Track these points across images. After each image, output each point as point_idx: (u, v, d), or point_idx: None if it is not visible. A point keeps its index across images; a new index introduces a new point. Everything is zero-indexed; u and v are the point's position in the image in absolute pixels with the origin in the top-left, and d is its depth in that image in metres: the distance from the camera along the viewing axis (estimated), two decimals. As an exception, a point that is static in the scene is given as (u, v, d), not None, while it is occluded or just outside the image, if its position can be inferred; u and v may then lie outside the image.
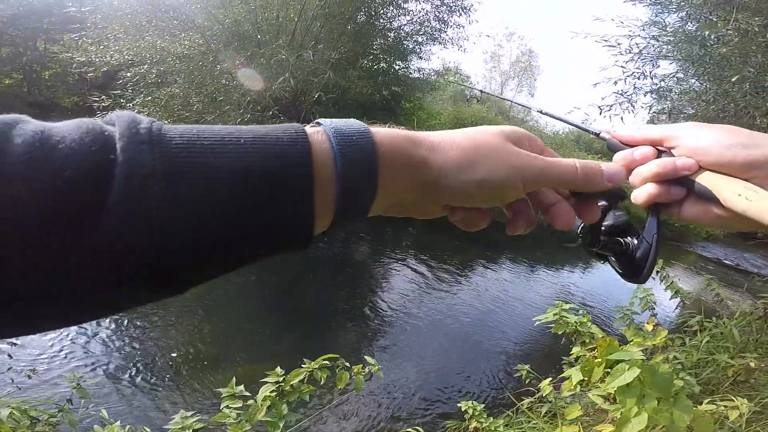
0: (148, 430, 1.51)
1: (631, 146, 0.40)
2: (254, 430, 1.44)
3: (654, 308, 2.84)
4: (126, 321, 3.58)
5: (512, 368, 3.22)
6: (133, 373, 3.04)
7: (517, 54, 26.23)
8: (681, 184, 0.37)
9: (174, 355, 3.31)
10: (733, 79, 4.43)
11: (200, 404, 2.83)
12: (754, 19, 3.71)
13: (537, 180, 0.32)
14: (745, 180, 0.34)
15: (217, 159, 0.23)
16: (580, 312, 2.32)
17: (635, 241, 0.40)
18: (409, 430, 2.67)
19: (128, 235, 0.21)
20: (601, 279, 8.45)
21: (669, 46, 5.42)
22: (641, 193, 0.39)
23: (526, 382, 2.76)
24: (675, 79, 5.88)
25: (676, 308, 3.51)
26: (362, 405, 3.16)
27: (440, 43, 10.12)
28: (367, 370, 1.70)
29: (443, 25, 9.80)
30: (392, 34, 9.72)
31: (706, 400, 1.89)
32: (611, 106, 5.76)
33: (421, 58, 10.33)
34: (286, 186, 0.25)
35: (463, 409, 2.48)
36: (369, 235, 7.62)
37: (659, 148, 0.38)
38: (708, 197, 0.35)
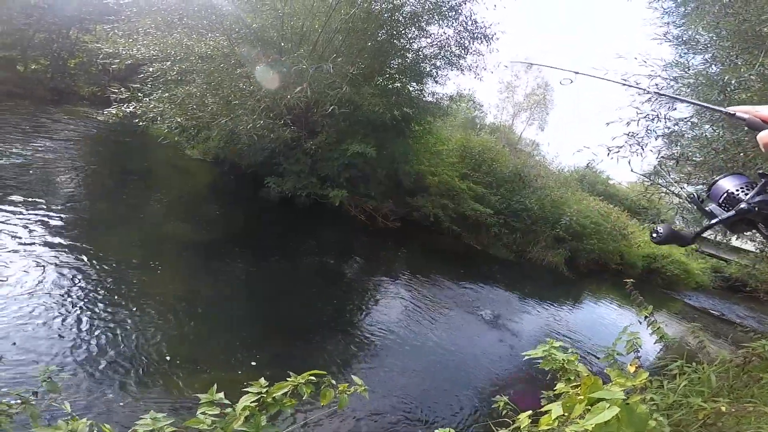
0: (108, 427, 1.44)
1: None
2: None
3: (639, 350, 2.89)
4: (105, 317, 3.50)
5: (491, 398, 3.18)
6: (108, 371, 2.96)
7: (533, 86, 26.34)
8: None
9: (152, 355, 3.22)
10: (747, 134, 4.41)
11: (174, 407, 2.75)
12: None
13: None
14: None
15: None
16: (569, 350, 2.33)
17: None
18: None
19: None
20: (587, 318, 8.37)
21: (688, 89, 5.30)
22: None
23: (503, 413, 2.74)
24: (689, 123, 5.72)
25: (660, 351, 3.59)
26: (342, 423, 3.07)
27: (458, 69, 10.00)
28: (352, 389, 1.65)
29: (463, 51, 9.70)
30: (411, 55, 9.72)
31: None
32: (620, 147, 5.64)
33: (436, 82, 10.27)
34: None
35: None
36: (361, 254, 7.60)
37: None
38: None
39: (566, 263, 11.25)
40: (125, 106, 7.25)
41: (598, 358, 2.87)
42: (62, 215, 5.06)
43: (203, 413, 1.37)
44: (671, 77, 5.37)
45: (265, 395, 1.41)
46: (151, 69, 7.48)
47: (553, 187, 11.67)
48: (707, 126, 5.53)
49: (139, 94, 7.47)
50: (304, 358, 3.74)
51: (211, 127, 7.79)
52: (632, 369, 2.59)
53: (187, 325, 3.72)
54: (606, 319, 8.54)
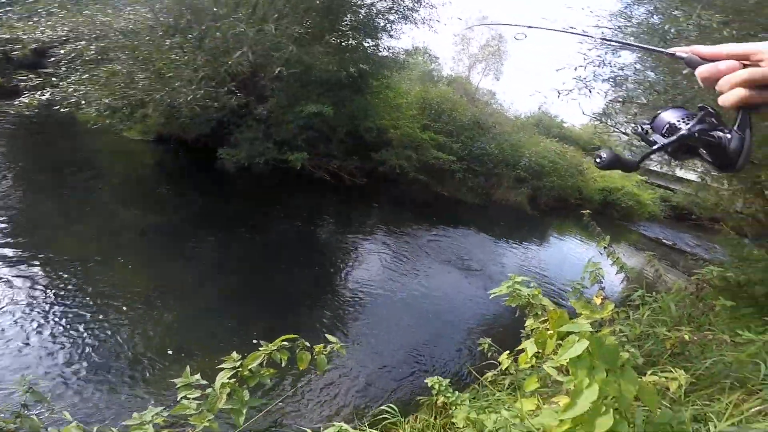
0: (114, 430, 1.47)
1: (712, 62, 0.46)
2: (218, 419, 1.40)
3: (602, 282, 3.01)
4: (81, 321, 3.34)
5: (476, 342, 3.27)
6: (91, 372, 2.87)
7: (487, 38, 26.22)
8: None
9: (140, 351, 3.15)
10: (684, 71, 4.72)
11: (163, 397, 2.73)
12: (715, 16, 3.91)
13: None
14: None
15: None
16: (532, 285, 2.37)
17: (728, 135, 0.44)
18: (385, 407, 2.69)
19: None
20: (553, 253, 8.90)
21: (631, 38, 5.63)
22: (731, 96, 0.44)
23: (488, 355, 2.84)
24: (633, 68, 6.19)
25: (622, 282, 3.74)
26: (332, 385, 3.15)
27: (412, 22, 9.90)
28: (329, 348, 1.65)
29: (416, 4, 9.59)
30: (363, 11, 9.34)
31: (649, 371, 1.99)
32: (570, 90, 5.99)
33: (391, 36, 10.04)
34: None
35: (429, 385, 2.53)
36: (332, 214, 7.54)
37: (744, 62, 0.45)
38: None
39: (529, 202, 11.75)
40: (39, 93, 6.45)
41: (568, 291, 2.99)
42: (1, 224, 4.59)
43: (185, 398, 1.35)
44: (616, 26, 5.73)
45: (240, 369, 1.39)
46: (62, 51, 6.61)
47: (511, 132, 11.92)
48: (650, 72, 5.98)
49: (53, 79, 6.64)
50: (294, 328, 3.71)
51: (146, 104, 7.15)
52: (598, 300, 2.62)
53: (168, 315, 3.61)
54: (571, 253, 9.10)
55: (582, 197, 13.24)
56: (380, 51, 10.16)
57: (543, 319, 2.13)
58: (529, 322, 2.19)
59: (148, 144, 9.19)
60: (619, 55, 6.02)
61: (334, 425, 2.10)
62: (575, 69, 5.82)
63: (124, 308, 3.54)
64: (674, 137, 0.49)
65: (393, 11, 9.57)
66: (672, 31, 4.76)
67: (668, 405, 2.15)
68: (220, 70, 6.85)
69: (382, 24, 9.68)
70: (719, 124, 0.47)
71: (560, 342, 1.33)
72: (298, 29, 6.87)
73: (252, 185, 7.86)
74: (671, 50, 0.51)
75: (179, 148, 8.83)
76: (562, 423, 1.29)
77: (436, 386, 2.52)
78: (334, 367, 3.29)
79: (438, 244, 7.09)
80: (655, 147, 0.50)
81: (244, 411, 1.39)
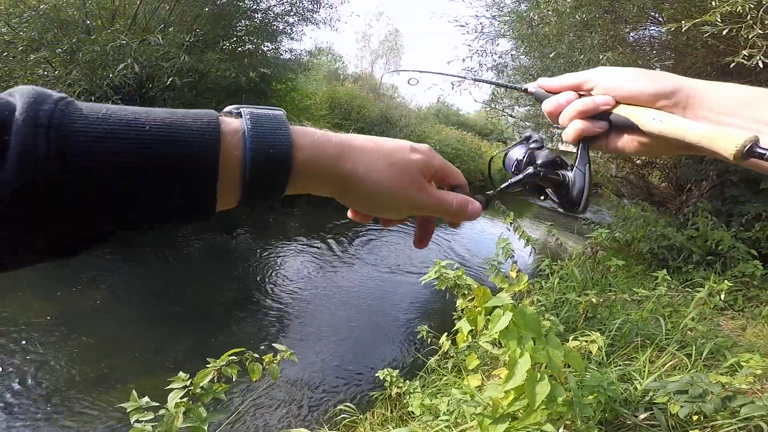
0: None
1: (556, 93, 0.45)
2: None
3: (513, 256, 3.13)
4: None
5: (415, 330, 3.37)
6: (23, 415, 2.58)
7: (385, 33, 27.29)
8: (603, 118, 0.42)
9: (61, 384, 2.86)
10: (551, 55, 5.33)
11: (103, 425, 2.59)
12: (566, 1, 4.37)
13: (423, 211, 0.41)
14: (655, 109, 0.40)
15: (118, 145, 0.24)
16: (456, 267, 2.53)
17: (570, 174, 0.44)
18: (342, 407, 2.73)
19: (20, 214, 0.22)
20: (470, 234, 9.70)
21: (505, 26, 6.40)
22: (570, 131, 0.43)
23: (428, 341, 2.98)
24: (510, 55, 6.97)
25: (530, 255, 3.93)
26: (285, 393, 3.17)
27: (313, 24, 9.81)
28: (279, 357, 1.69)
29: (316, 6, 9.52)
30: (260, 15, 9.05)
31: (571, 337, 2.12)
32: (462, 80, 6.63)
33: (292, 38, 9.88)
34: (190, 174, 0.26)
35: (381, 378, 2.64)
36: (252, 223, 7.34)
37: (580, 92, 0.44)
38: (627, 125, 0.41)
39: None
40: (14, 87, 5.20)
41: (488, 268, 3.21)
42: None
43: (138, 421, 1.36)
44: (492, 16, 6.47)
45: (191, 387, 1.42)
46: None
47: (416, 124, 12.63)
48: (523, 57, 6.80)
49: None
50: (226, 344, 3.56)
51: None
52: (513, 274, 2.72)
53: (89, 344, 3.28)
54: (486, 232, 9.87)
55: (484, 178, 14.64)
56: (282, 54, 10.02)
57: (470, 297, 2.22)
58: (460, 302, 2.29)
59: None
60: (498, 44, 6.76)
61: (292, 432, 2.09)
62: (463, 60, 6.60)
63: (42, 339, 3.18)
64: (520, 176, 0.46)
65: (292, 14, 9.43)
66: (536, 18, 5.41)
67: (595, 368, 2.29)
68: (101, 84, 6.21)
69: (281, 27, 9.50)
70: (562, 162, 0.45)
71: (489, 317, 1.39)
72: (187, 37, 6.53)
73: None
74: (524, 86, 0.50)
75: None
76: (507, 394, 1.39)
77: (388, 378, 2.59)
78: (282, 376, 3.32)
79: (363, 239, 7.26)
80: (502, 186, 0.47)
81: (205, 428, 1.42)
